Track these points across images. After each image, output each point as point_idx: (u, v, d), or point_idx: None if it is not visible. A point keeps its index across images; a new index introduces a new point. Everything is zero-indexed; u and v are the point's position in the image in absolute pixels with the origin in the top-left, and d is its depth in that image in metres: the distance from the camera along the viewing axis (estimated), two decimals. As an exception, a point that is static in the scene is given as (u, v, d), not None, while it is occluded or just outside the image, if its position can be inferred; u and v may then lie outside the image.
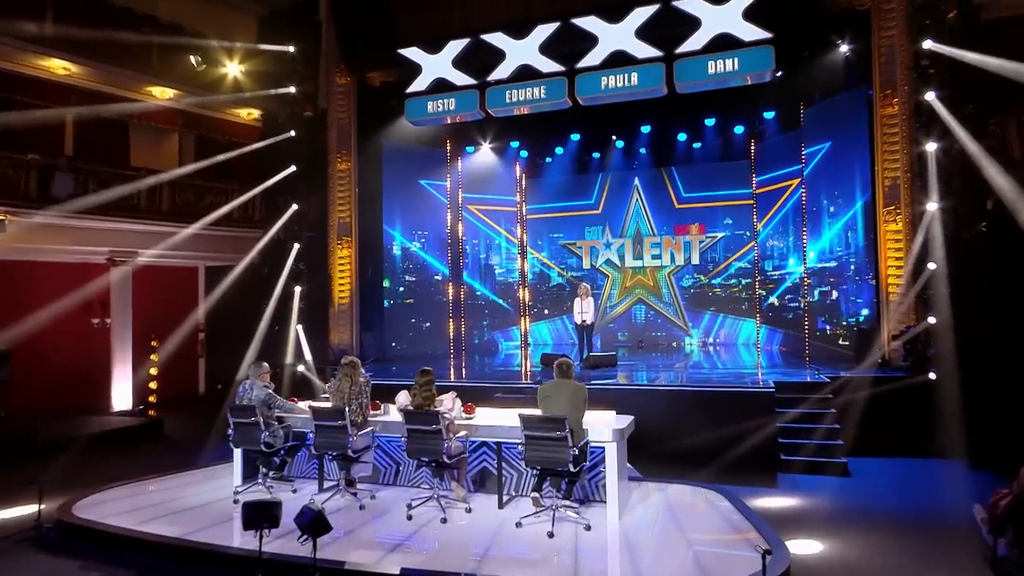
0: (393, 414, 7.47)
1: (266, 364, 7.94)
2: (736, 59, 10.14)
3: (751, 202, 15.52)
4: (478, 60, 11.58)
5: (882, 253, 10.55)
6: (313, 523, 5.06)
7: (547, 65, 11.15)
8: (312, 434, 7.20)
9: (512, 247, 17.11)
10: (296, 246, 12.17)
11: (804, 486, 7.94)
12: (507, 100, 11.52)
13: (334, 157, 13.23)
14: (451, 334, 15.36)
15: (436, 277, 15.36)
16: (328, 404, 7.31)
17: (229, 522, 6.78)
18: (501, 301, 16.64)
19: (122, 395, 12.04)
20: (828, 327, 12.83)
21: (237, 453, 7.91)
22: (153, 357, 11.20)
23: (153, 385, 11.16)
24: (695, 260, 16.33)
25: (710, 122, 14.40)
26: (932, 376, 9.07)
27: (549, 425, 6.13)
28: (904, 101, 10.24)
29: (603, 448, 6.62)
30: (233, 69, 12.40)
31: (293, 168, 12.15)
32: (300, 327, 12.04)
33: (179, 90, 13.01)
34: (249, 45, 12.17)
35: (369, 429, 7.27)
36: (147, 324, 12.32)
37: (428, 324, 15.12)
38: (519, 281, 17.20)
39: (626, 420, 6.98)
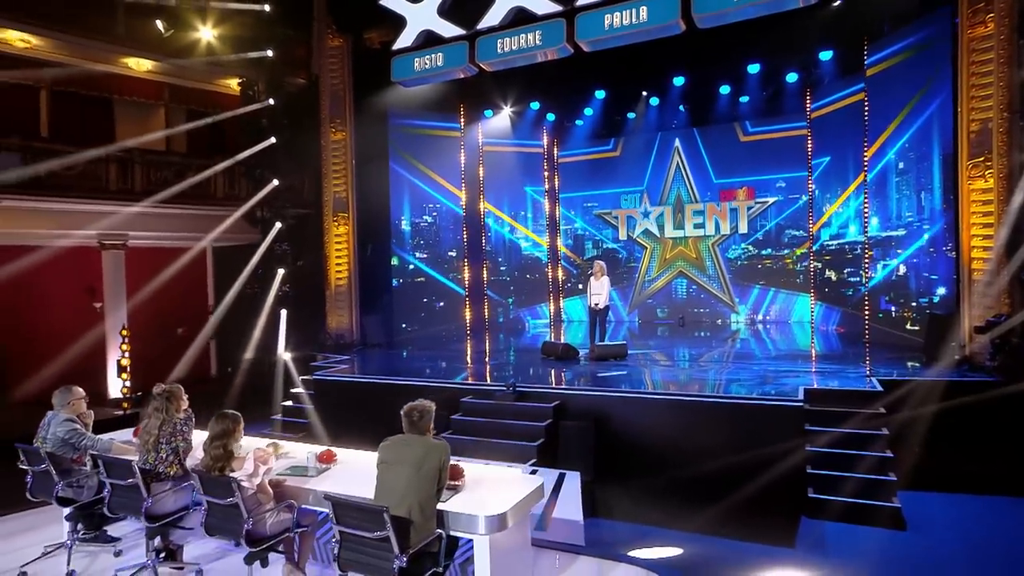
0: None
1: (78, 389, 5.23)
2: (772, -26, 7.46)
3: (806, 132, 12.44)
4: (466, 6, 9.35)
5: (964, 218, 7.76)
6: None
7: (543, 6, 8.80)
8: (108, 491, 4.84)
9: (540, 218, 14.78)
10: (278, 225, 10.35)
11: (835, 543, 5.39)
12: (499, 50, 9.22)
13: (327, 127, 11.23)
14: (468, 314, 13.27)
15: (451, 253, 13.27)
16: (130, 451, 5.05)
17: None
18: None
19: (117, 383, 10.79)
20: (893, 308, 9.84)
21: None
22: (123, 347, 9.75)
23: (125, 377, 9.72)
24: (743, 229, 13.46)
25: (754, 69, 11.39)
26: (1031, 384, 6.26)
27: (364, 518, 3.62)
28: (1005, 14, 7.38)
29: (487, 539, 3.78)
30: (207, 34, 10.50)
31: (273, 140, 10.27)
32: (284, 312, 10.30)
33: (153, 60, 11.19)
34: (219, 4, 10.14)
35: (190, 483, 4.72)
36: (149, 309, 10.98)
37: (442, 304, 13.09)
38: (549, 256, 14.87)
39: (530, 485, 4.19)
